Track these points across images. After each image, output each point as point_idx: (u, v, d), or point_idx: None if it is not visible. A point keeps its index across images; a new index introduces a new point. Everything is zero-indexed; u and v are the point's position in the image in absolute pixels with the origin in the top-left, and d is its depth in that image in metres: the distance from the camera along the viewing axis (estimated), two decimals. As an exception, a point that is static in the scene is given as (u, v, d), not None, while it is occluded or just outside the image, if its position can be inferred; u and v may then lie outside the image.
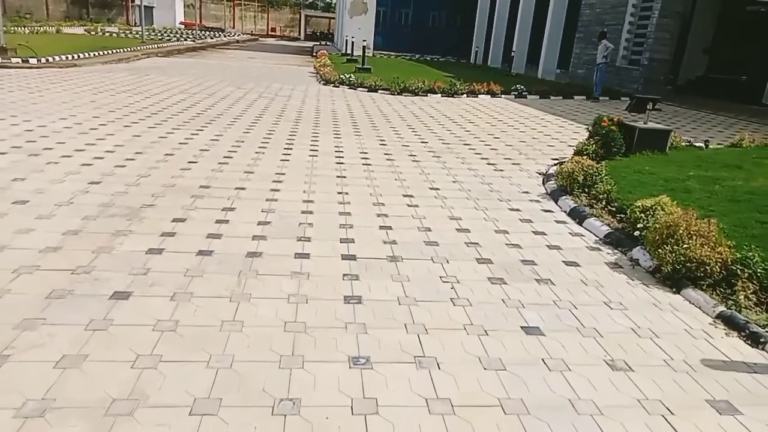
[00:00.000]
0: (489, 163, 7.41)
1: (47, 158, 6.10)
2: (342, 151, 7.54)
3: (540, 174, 6.97)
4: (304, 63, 26.22)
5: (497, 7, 29.36)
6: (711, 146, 8.37)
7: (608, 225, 4.91)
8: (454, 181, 6.38)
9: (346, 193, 5.62)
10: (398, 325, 3.12)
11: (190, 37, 40.54)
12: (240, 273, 3.62)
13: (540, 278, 3.88)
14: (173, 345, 2.77)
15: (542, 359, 2.88)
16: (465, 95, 15.39)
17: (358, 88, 15.77)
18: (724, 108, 15.17)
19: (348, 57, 25.57)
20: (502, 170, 7.07)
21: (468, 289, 3.63)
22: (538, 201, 5.83)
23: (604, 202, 5.39)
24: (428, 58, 34.73)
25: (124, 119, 8.71)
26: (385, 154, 7.58)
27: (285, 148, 7.46)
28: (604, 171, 5.83)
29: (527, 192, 6.15)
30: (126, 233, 4.14)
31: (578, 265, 4.16)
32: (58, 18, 52.97)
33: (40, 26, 34.73)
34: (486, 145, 8.67)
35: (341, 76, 16.69)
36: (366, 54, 20.89)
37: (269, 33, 77.01)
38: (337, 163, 6.90)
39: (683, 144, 8.19)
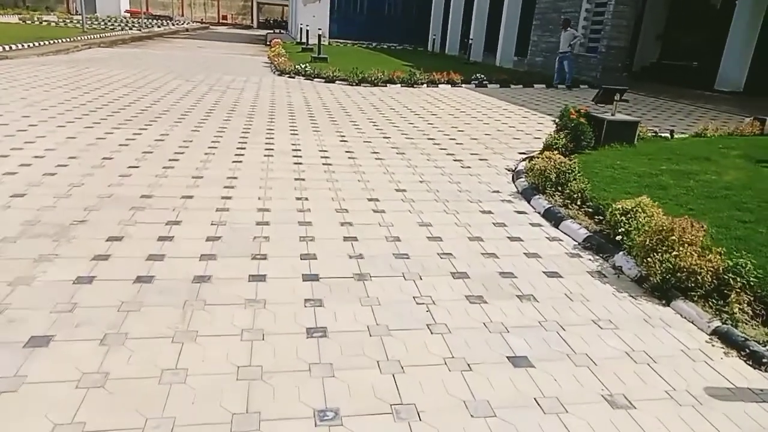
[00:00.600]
0: (455, 160, 7.07)
1: (-37, 167, 5.40)
2: (300, 150, 7.05)
3: (509, 170, 6.67)
4: (258, 53, 25.32)
5: (453, -6, 29.04)
6: (676, 136, 8.27)
7: (586, 228, 4.63)
8: (421, 181, 6.01)
9: (306, 199, 5.16)
10: (370, 363, 2.72)
11: (136, 26, 38.68)
12: (185, 304, 3.14)
13: (522, 294, 3.55)
14: (100, 407, 2.29)
15: (535, 398, 2.54)
16: (425, 85, 15.03)
17: (315, 79, 15.20)
18: (681, 95, 15.32)
19: (303, 46, 24.81)
20: (469, 167, 6.74)
21: (445, 311, 3.27)
22: (510, 201, 5.52)
23: (579, 202, 5.12)
24: (385, 46, 34.25)
25: (58, 118, 7.95)
26: (347, 152, 7.13)
27: (237, 148, 6.91)
28: (577, 168, 5.57)
29: (498, 191, 5.84)
30: (51, 258, 3.59)
31: (560, 276, 3.86)
32: (-9, 6, 49.78)
33: (-31, 14, 32.36)
34: (451, 139, 8.33)
35: (296, 67, 16.06)
36: (322, 43, 20.25)
37: (220, 21, 74.69)
38: (295, 163, 6.41)
39: (649, 135, 8.06)
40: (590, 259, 4.20)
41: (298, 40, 28.95)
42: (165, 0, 67.97)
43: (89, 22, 34.81)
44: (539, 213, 5.17)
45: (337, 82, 14.86)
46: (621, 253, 4.09)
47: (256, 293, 3.32)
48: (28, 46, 18.28)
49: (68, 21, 37.23)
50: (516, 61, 23.24)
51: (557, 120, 7.48)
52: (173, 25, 49.71)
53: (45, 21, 36.02)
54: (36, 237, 3.90)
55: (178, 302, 3.16)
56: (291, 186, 5.53)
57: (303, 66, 15.94)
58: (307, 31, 25.19)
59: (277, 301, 3.25)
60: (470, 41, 24.09)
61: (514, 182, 6.19)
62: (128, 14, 60.02)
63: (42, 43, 19.43)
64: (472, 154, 7.44)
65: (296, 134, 8.00)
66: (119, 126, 7.74)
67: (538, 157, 6.27)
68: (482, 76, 15.76)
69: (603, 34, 15.53)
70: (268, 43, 30.43)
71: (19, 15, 38.65)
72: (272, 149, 6.99)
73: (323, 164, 6.45)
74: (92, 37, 25.07)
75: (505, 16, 22.49)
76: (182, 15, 72.06)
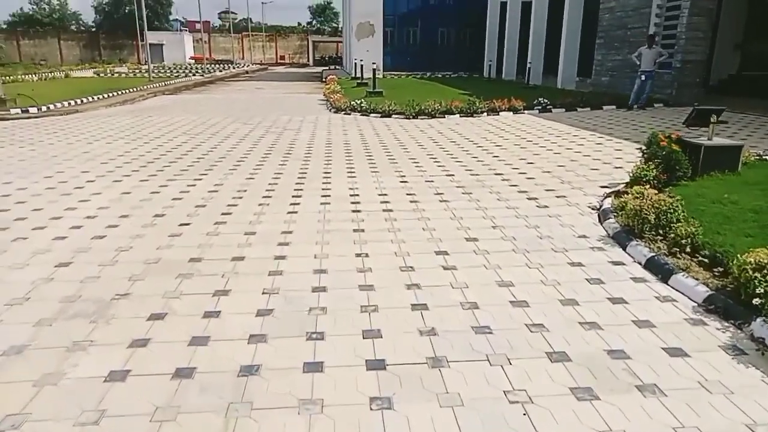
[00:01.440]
0: (529, 198, 6.37)
1: (16, 232, 5.24)
2: (358, 195, 6.57)
3: (593, 209, 5.89)
4: (314, 90, 25.58)
5: (508, 18, 28.48)
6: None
7: (705, 284, 3.81)
8: (493, 227, 5.35)
9: (366, 255, 4.62)
10: (459, 502, 2.07)
11: (199, 71, 40.40)
12: (229, 408, 2.62)
13: (642, 383, 2.81)
14: None
15: None
16: (485, 114, 14.41)
17: (371, 114, 14.91)
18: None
19: (358, 81, 24.84)
20: (546, 206, 6.01)
21: (548, 414, 2.58)
22: (601, 248, 4.76)
23: (689, 249, 4.30)
24: (439, 75, 33.98)
25: (116, 172, 7.88)
26: (408, 194, 6.58)
27: (293, 196, 6.51)
28: (680, 207, 4.74)
29: (585, 236, 5.08)
30: (85, 346, 3.19)
31: (686, 354, 3.08)
32: (72, 63, 53.70)
33: (50, 72, 34.80)
34: (520, 173, 7.63)
35: (352, 103, 15.87)
36: (376, 76, 20.10)
37: (278, 61, 77.39)
38: (353, 210, 5.92)
39: (753, 158, 7.05)
40: (718, 328, 3.38)
41: (353, 75, 29.15)
42: (226, 45, 71.27)
43: (156, 71, 36.68)
44: (640, 264, 4.38)
45: (393, 116, 14.49)
46: (760, 320, 3.26)
47: (312, 390, 2.76)
48: (98, 98, 19.13)
49: (137, 71, 39.39)
50: (578, 82, 22.21)
51: (643, 147, 6.65)
52: (234, 68, 51.74)
53: (117, 73, 38.25)
54: (73, 318, 3.53)
55: (221, 405, 2.64)
56: (350, 239, 5.02)
57: (358, 102, 15.72)
58: (362, 65, 25.25)
59: (336, 401, 2.67)
60: (529, 64, 23.32)
61: (601, 223, 5.42)
62: (193, 60, 63.26)
63: (111, 94, 20.33)
64: (547, 190, 6.71)
65: (354, 176, 7.55)
66: (175, 177, 7.56)
67: (626, 193, 5.50)
68: (545, 100, 14.95)
69: (677, 48, 14.41)
70: (323, 79, 30.84)
71: (94, 69, 41.31)
72: (329, 195, 6.54)
73: (383, 210, 5.92)
74: (157, 85, 26.18)
75: (564, 36, 21.61)
76: (242, 58, 75.23)
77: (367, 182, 7.23)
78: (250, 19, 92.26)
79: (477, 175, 7.57)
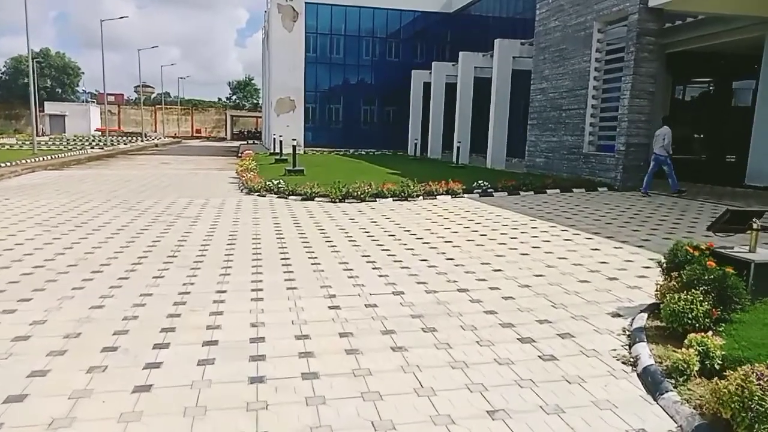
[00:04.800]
0: (521, 338, 4.29)
1: None
2: (263, 339, 4.20)
3: (626, 363, 3.88)
4: (227, 166, 23.22)
5: (432, 97, 28.08)
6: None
7: None
8: (489, 411, 3.16)
9: None
10: None
11: (100, 144, 36.86)
12: None
13: None
14: None
15: None
16: (421, 197, 12.65)
17: (290, 197, 12.73)
18: (717, 193, 13.24)
19: (277, 157, 22.84)
20: (552, 356, 3.94)
21: None
22: (694, 469, 2.69)
23: None
24: (363, 153, 32.86)
25: None
26: (341, 336, 4.30)
27: (154, 347, 4.02)
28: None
29: (638, 420, 3.01)
30: None
31: None
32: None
33: None
34: (491, 288, 5.61)
35: (268, 182, 13.65)
36: (296, 153, 18.15)
37: (194, 135, 74.53)
38: (251, 381, 3.53)
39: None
40: None
41: (272, 151, 27.20)
42: (137, 118, 67.61)
43: (51, 143, 32.91)
44: None
45: (316, 199, 12.39)
46: None
47: None
48: (-47, 173, 15.68)
49: (27, 143, 35.23)
50: (509, 162, 21.47)
51: (663, 261, 4.85)
52: (143, 141, 48.36)
53: (1, 144, 33.91)
54: None
55: None
56: (238, 463, 2.62)
57: (275, 182, 13.53)
58: (281, 141, 23.35)
59: None
60: (457, 144, 22.41)
61: (655, 398, 3.38)
62: (99, 132, 59.01)
63: (-27, 169, 16.89)
64: (539, 321, 4.68)
65: (260, 298, 5.19)
66: (-25, 305, 4.85)
67: (666, 331, 3.57)
68: (485, 183, 13.51)
69: (619, 130, 13.62)
70: (239, 154, 28.64)
71: (-24, 139, 36.65)
72: (214, 344, 4.12)
73: (302, 377, 3.58)
74: (41, 159, 22.73)
75: (493, 116, 20.97)
76: (155, 131, 71.67)
77: (280, 309, 4.88)
78: (168, 93, 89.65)
79: (435, 292, 5.46)
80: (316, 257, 6.88)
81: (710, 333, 3.66)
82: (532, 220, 9.80)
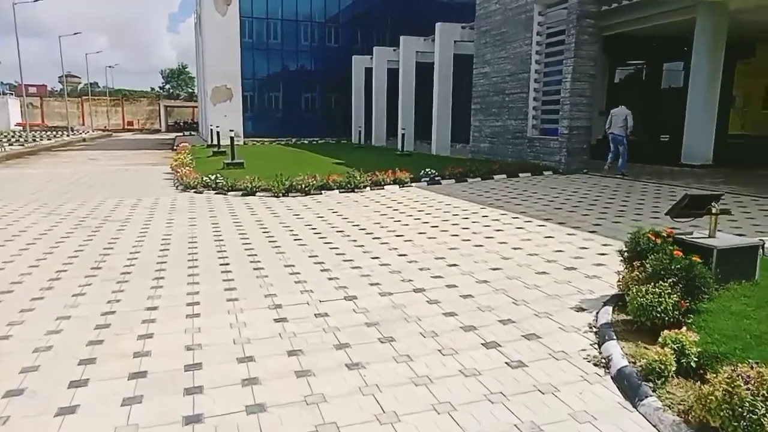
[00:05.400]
0: (484, 342, 3.99)
1: None
2: (199, 365, 3.70)
3: (597, 365, 3.64)
4: (162, 160, 21.99)
5: (374, 84, 27.60)
6: None
7: None
8: (459, 437, 2.83)
9: None
10: None
11: (21, 139, 34.26)
12: None
13: None
14: None
15: None
16: (368, 188, 12.24)
17: (229, 192, 12.04)
18: (656, 173, 13.55)
19: (215, 149, 21.80)
20: (520, 361, 3.66)
21: None
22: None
23: None
24: (306, 142, 32.07)
25: None
26: (290, 354, 3.86)
27: (69, 386, 3.44)
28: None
29: (633, 449, 2.76)
30: None
31: None
32: None
33: None
34: (448, 286, 5.30)
35: (205, 178, 12.86)
36: (236, 144, 17.30)
37: (126, 127, 70.94)
38: (186, 423, 3.04)
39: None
40: None
41: (210, 143, 26.02)
42: (62, 110, 63.46)
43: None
44: None
45: (258, 194, 11.77)
46: None
47: None
48: None
49: (-65, 141, 32.20)
50: (454, 148, 21.38)
51: (624, 251, 4.67)
52: (69, 135, 45.39)
53: None
54: None
55: None
56: None
57: (213, 177, 12.77)
58: (218, 132, 22.29)
59: None
60: (402, 131, 22.09)
61: (634, 404, 3.14)
62: (20, 127, 54.98)
63: None
64: (501, 321, 4.40)
65: (197, 315, 4.65)
66: None
67: (635, 325, 3.37)
68: (433, 171, 13.25)
69: (562, 114, 13.66)
70: (175, 147, 27.28)
71: None
72: (143, 374, 3.59)
73: (247, 411, 3.13)
74: (-50, 158, 20.75)
75: (436, 102, 20.76)
76: (83, 124, 67.60)
77: (219, 326, 4.38)
78: (96, 83, 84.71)
79: (390, 294, 5.09)
80: (259, 261, 6.37)
81: (684, 329, 3.47)
82: (483, 208, 9.60)
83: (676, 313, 3.80)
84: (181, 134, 49.26)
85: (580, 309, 4.61)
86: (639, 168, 14.05)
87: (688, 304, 3.88)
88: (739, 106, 22.31)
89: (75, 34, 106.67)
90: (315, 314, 4.61)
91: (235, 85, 31.39)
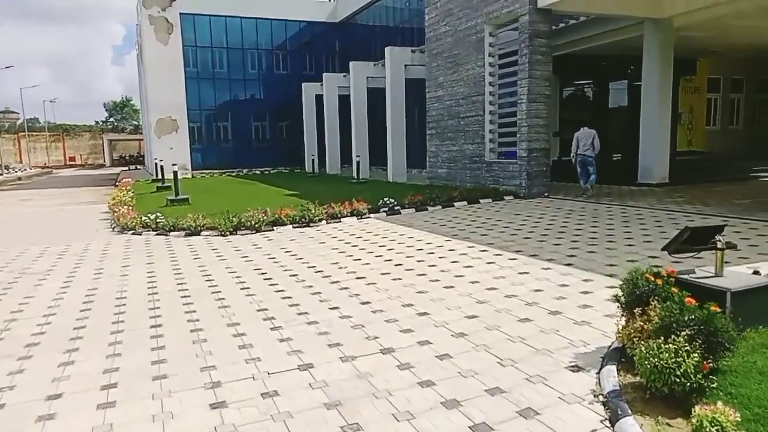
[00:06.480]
0: (472, 425, 3.23)
1: None
2: (107, 484, 2.79)
3: (616, 452, 2.95)
4: (101, 198, 20.49)
5: (326, 111, 26.97)
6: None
7: None
8: None
9: None
10: None
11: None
12: None
13: None
14: None
15: None
16: (324, 221, 11.44)
17: (171, 233, 10.99)
18: (616, 193, 13.32)
19: (159, 184, 20.54)
20: (521, 452, 2.92)
21: None
22: None
23: None
24: (258, 172, 31.08)
25: None
26: (228, 460, 3.00)
27: None
28: None
29: None
30: None
31: None
32: None
33: None
34: (423, 344, 4.53)
35: (144, 218, 11.75)
36: (183, 177, 16.23)
37: (67, 163, 67.67)
38: None
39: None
40: None
41: (155, 177, 24.66)
42: (-3, 147, 59.86)
43: None
44: None
45: (203, 233, 10.78)
46: None
47: None
48: None
49: None
50: (410, 174, 20.88)
51: (621, 296, 4.04)
52: (2, 174, 42.65)
53: None
54: None
55: None
56: None
57: (153, 216, 11.68)
58: (162, 166, 21.06)
59: None
60: (356, 158, 21.46)
61: None
62: (-53, 168, 51.37)
63: None
64: (489, 391, 3.66)
65: (111, 404, 3.71)
66: None
67: (673, 420, 2.73)
68: (392, 200, 12.58)
69: (520, 136, 13.31)
70: (117, 183, 25.74)
71: None
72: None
73: None
74: None
75: (390, 128, 20.26)
76: (20, 161, 64.04)
77: (137, 420, 3.46)
78: (37, 118, 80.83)
79: (353, 359, 4.28)
80: (197, 320, 5.44)
81: (719, 404, 2.81)
82: (447, 240, 8.95)
83: (699, 376, 3.16)
84: (127, 169, 47.23)
85: (577, 368, 3.93)
86: (597, 188, 13.82)
87: (711, 364, 3.25)
88: (685, 122, 22.80)
89: (7, 67, 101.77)
90: (262, 393, 3.75)
91: (181, 116, 30.13)
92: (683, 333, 3.32)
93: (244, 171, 31.70)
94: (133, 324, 5.38)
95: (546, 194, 13.47)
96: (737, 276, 4.07)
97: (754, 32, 15.79)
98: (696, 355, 3.19)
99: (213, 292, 6.45)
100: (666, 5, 13.37)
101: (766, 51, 19.39)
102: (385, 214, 12.15)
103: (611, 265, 6.71)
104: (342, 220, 11.58)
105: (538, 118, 13.14)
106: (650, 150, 14.52)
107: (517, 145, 13.53)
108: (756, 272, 4.81)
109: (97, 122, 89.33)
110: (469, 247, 8.29)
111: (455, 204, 12.88)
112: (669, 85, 14.67)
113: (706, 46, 17.92)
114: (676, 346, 3.24)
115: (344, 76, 25.66)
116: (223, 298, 6.16)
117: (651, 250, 7.35)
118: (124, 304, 6.09)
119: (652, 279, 3.94)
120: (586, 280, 6.11)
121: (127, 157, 63.34)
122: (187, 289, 6.63)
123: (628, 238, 8.20)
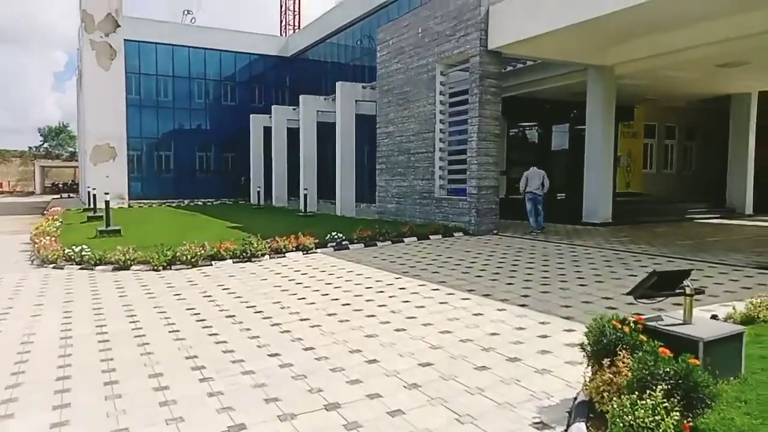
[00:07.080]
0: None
1: None
2: None
3: None
4: (25, 227, 18.93)
5: (273, 143, 26.48)
6: (720, 315, 5.02)
7: None
8: None
9: None
10: None
11: None
12: None
13: None
14: None
15: None
16: (267, 256, 10.83)
17: (97, 267, 10.07)
18: (562, 232, 13.40)
19: (90, 214, 19.26)
20: None
21: None
22: None
23: None
24: (200, 203, 29.94)
25: None
26: None
27: None
28: None
29: None
30: None
31: None
32: None
33: None
34: (373, 398, 4.06)
35: (67, 250, 10.76)
36: (119, 207, 15.20)
37: (-7, 190, 63.38)
38: None
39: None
40: None
41: (87, 206, 23.18)
42: None
43: None
44: None
45: (133, 267, 9.93)
46: None
47: None
48: None
49: None
50: (359, 208, 20.55)
51: (588, 345, 3.74)
52: None
53: None
54: None
55: None
56: None
57: (78, 248, 10.71)
58: (94, 195, 19.81)
59: None
60: (304, 191, 20.96)
61: None
62: None
63: None
64: (447, 454, 3.22)
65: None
66: None
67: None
68: (340, 235, 12.13)
69: (470, 173, 13.26)
70: (45, 212, 24.06)
71: None
72: None
73: None
74: None
75: (339, 162, 19.98)
76: (-61, 188, 59.49)
77: (23, 504, 2.80)
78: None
79: (293, 418, 3.74)
80: (113, 369, 4.75)
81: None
82: (398, 277, 8.55)
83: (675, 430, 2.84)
84: (59, 197, 44.64)
85: (543, 425, 3.56)
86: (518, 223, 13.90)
87: (691, 423, 2.95)
88: (624, 165, 23.68)
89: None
90: (182, 465, 3.16)
91: (120, 144, 28.73)
92: (659, 387, 3.03)
93: (186, 202, 30.50)
94: (35, 377, 4.63)
95: (495, 231, 13.40)
96: (706, 323, 3.86)
97: (684, 83, 16.66)
98: (676, 413, 2.88)
99: (136, 336, 5.74)
100: (609, 54, 13.87)
101: (694, 101, 20.59)
102: (332, 249, 11.66)
103: (566, 306, 6.49)
104: (287, 255, 11.00)
105: (488, 156, 13.15)
106: (594, 190, 14.82)
107: (467, 182, 13.46)
108: (714, 317, 4.67)
109: (30, 148, 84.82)
110: (420, 285, 7.92)
111: (405, 240, 12.57)
112: (611, 129, 15.14)
113: (644, 94, 18.75)
114: (653, 402, 2.93)
115: (294, 109, 25.37)
116: (147, 343, 5.47)
117: (604, 291, 7.21)
118: (28, 351, 5.30)
119: (619, 326, 3.67)
120: (542, 323, 5.83)
121: (60, 185, 60.09)
122: (106, 332, 5.88)
123: (580, 278, 8.06)
